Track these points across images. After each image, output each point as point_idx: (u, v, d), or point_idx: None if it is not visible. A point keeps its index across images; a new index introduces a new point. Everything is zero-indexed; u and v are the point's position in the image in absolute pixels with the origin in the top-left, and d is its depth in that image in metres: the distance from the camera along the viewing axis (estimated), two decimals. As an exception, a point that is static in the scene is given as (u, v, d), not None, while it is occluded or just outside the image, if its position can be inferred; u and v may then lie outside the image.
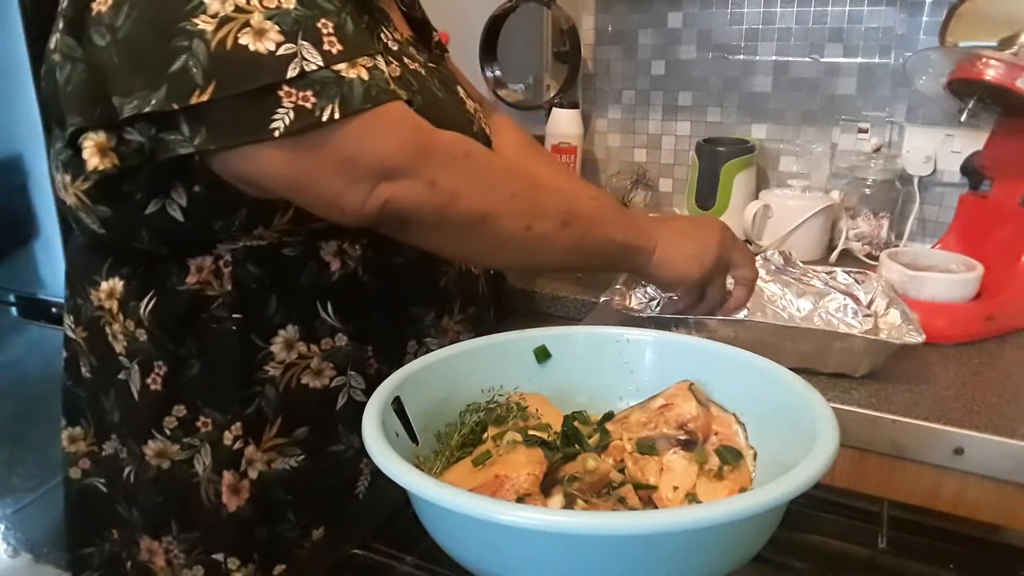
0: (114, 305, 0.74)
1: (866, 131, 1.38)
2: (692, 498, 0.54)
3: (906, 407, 0.80)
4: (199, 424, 0.74)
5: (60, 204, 0.76)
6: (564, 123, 1.52)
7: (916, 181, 1.33)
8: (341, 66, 0.60)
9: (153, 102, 0.59)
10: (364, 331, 0.77)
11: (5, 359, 1.83)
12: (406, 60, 0.77)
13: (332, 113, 0.59)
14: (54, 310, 1.66)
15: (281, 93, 0.58)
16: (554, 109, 1.52)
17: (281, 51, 0.58)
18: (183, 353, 0.73)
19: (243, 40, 0.58)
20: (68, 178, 0.71)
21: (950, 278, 0.97)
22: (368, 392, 0.75)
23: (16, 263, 1.72)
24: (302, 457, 0.76)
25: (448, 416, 0.63)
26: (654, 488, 0.55)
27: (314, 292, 0.74)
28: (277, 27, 0.59)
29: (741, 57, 1.46)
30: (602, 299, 1.11)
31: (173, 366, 0.73)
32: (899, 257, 1.02)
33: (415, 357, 0.79)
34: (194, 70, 0.58)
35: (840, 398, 0.82)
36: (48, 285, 1.67)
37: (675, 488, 0.55)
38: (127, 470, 0.77)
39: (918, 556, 0.59)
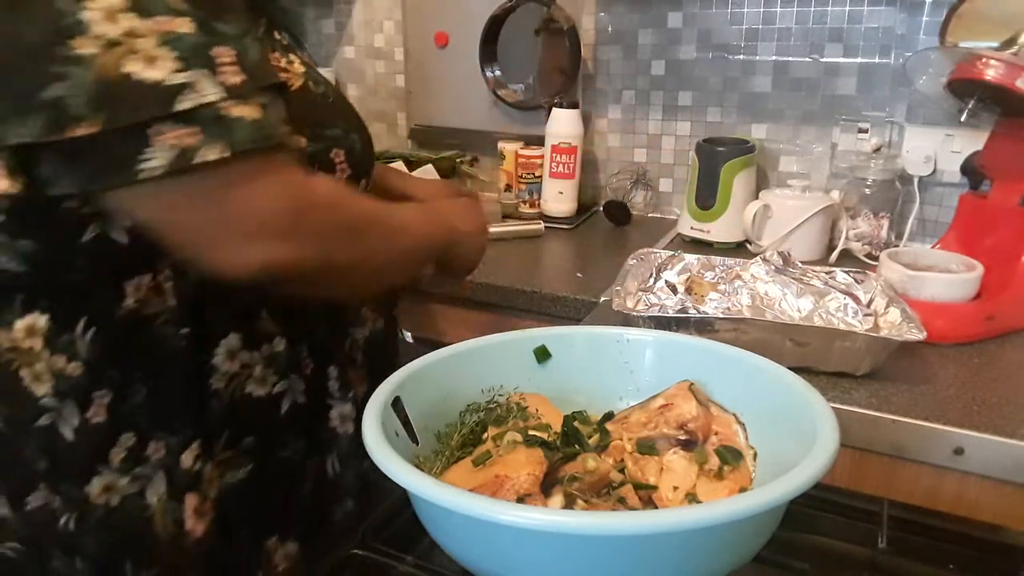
0: (36, 343, 0.65)
1: (866, 131, 1.38)
2: (692, 498, 0.54)
3: (906, 407, 0.80)
4: (149, 452, 0.68)
5: None
6: (564, 123, 1.52)
7: (916, 181, 1.33)
8: (230, 103, 0.55)
9: (26, 133, 0.52)
10: (298, 332, 0.75)
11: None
12: (302, 56, 0.75)
13: (220, 152, 0.54)
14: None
15: (152, 130, 0.53)
16: (554, 109, 1.52)
17: (172, 81, 0.52)
18: (127, 378, 0.67)
19: (130, 67, 0.52)
20: None
21: (950, 278, 0.97)
22: (308, 394, 0.76)
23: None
24: (250, 467, 0.73)
25: (448, 416, 0.63)
26: (654, 488, 0.55)
27: (251, 297, 0.71)
28: (173, 52, 0.53)
29: (741, 57, 1.46)
30: (602, 299, 1.11)
31: (118, 394, 0.67)
32: (899, 257, 1.02)
33: (346, 351, 0.80)
34: (73, 99, 0.51)
35: (840, 398, 0.82)
36: None
37: (675, 488, 0.55)
38: (64, 519, 0.69)
39: (918, 556, 0.59)
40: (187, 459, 0.69)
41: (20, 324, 0.64)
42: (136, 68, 0.52)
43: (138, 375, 0.67)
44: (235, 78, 0.54)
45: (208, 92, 0.53)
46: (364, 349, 0.83)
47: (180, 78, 0.52)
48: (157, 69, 0.52)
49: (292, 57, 0.71)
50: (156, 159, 0.52)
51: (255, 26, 0.61)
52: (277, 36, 0.73)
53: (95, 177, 0.54)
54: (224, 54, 0.54)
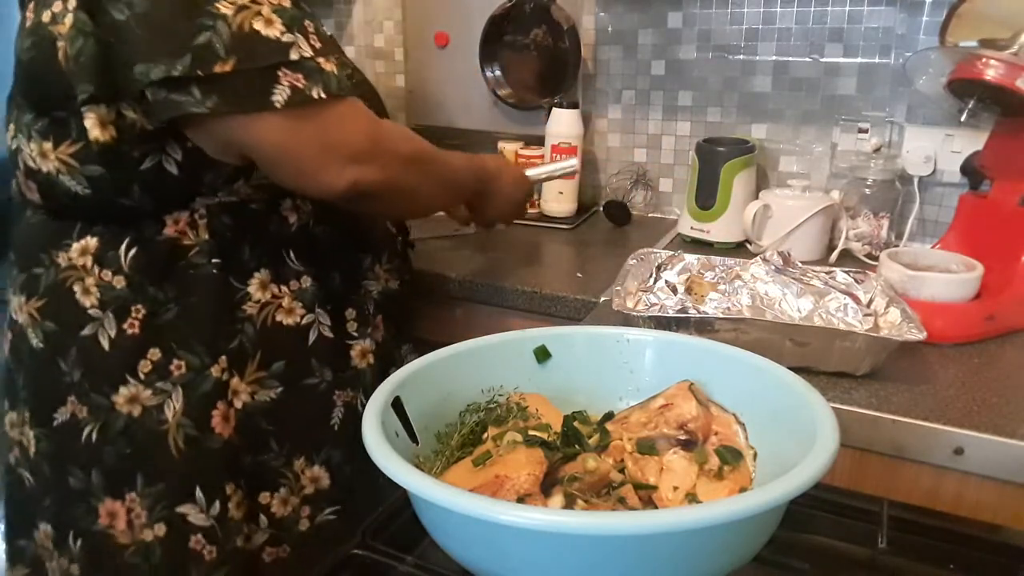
0: (87, 260, 0.79)
1: (866, 131, 1.38)
2: (692, 498, 0.54)
3: (906, 407, 0.80)
4: (172, 368, 0.79)
5: (28, 175, 0.80)
6: (564, 123, 1.52)
7: (916, 181, 1.33)
8: (321, 59, 0.73)
9: (179, 68, 0.68)
10: (319, 275, 0.87)
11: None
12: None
13: (319, 93, 0.72)
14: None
15: (280, 73, 0.70)
16: (554, 109, 1.52)
17: (284, 39, 0.71)
18: (161, 297, 0.79)
19: (256, 25, 0.69)
20: (48, 145, 0.76)
21: (950, 278, 0.97)
22: (334, 329, 0.88)
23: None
24: (280, 389, 0.84)
25: (448, 416, 0.63)
26: (654, 488, 0.55)
27: (279, 240, 0.85)
28: (280, 19, 0.71)
29: (741, 57, 1.46)
30: (602, 299, 1.11)
31: (151, 309, 0.79)
32: (899, 257, 1.02)
33: (359, 298, 0.92)
34: (217, 45, 0.68)
35: (840, 398, 0.82)
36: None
37: (675, 488, 0.55)
38: (87, 429, 0.80)
39: (918, 556, 0.59)
40: (216, 371, 0.80)
41: (76, 246, 0.80)
42: (260, 26, 0.70)
43: (171, 294, 0.80)
44: (317, 44, 0.74)
45: (306, 49, 0.72)
46: (377, 301, 0.95)
47: (288, 37, 0.71)
48: (273, 29, 0.70)
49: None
50: (282, 93, 0.70)
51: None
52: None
53: (236, 103, 0.70)
54: (310, 26, 0.74)
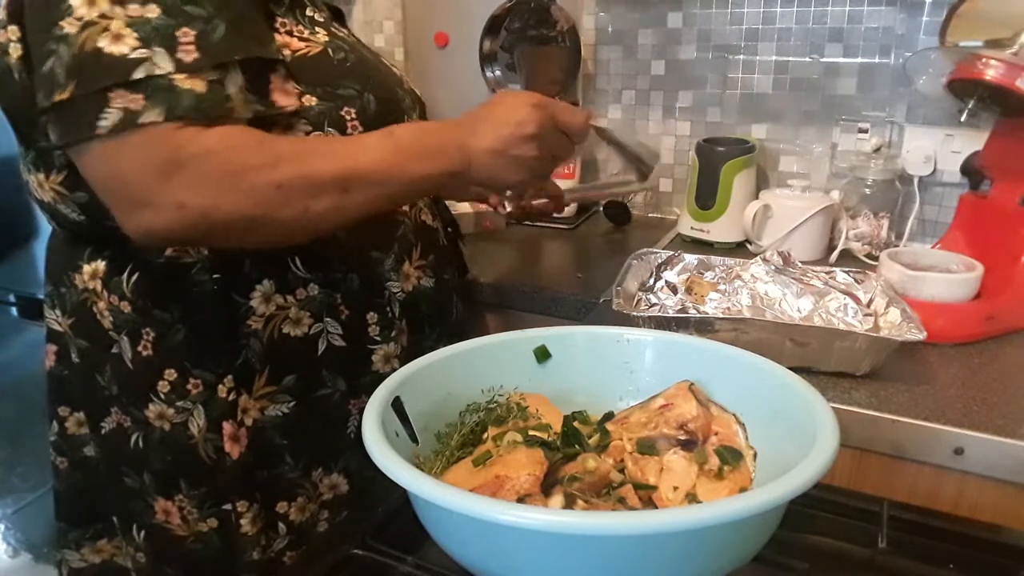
0: (97, 284, 0.79)
1: (866, 131, 1.38)
2: (692, 498, 0.54)
3: (906, 407, 0.80)
4: (189, 387, 0.78)
5: (39, 205, 0.81)
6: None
7: (916, 181, 1.33)
8: (181, 76, 0.62)
9: (38, 99, 0.64)
10: (331, 280, 0.82)
11: (5, 359, 1.83)
12: (334, 28, 0.81)
13: (155, 117, 0.61)
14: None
15: (112, 95, 0.61)
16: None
17: (133, 55, 0.61)
18: (168, 318, 0.77)
19: (101, 43, 0.61)
20: (42, 176, 0.76)
21: (950, 278, 0.97)
22: (345, 336, 0.83)
23: (16, 263, 1.72)
24: (292, 403, 0.81)
25: (448, 416, 0.63)
26: (654, 488, 0.55)
27: (283, 248, 0.78)
28: (134, 33, 0.61)
29: (741, 57, 1.46)
30: (602, 299, 1.11)
31: (160, 332, 0.78)
32: (899, 257, 1.02)
33: (384, 302, 0.86)
34: (58, 70, 0.61)
35: (840, 398, 0.82)
36: (48, 285, 1.67)
37: (675, 488, 0.55)
38: (134, 437, 0.81)
39: (918, 556, 0.59)
40: (222, 391, 0.78)
41: (87, 268, 0.79)
42: (105, 43, 0.61)
43: (177, 315, 0.77)
44: (191, 56, 0.62)
45: (161, 66, 0.61)
46: (402, 303, 0.88)
47: (140, 53, 0.61)
48: (122, 45, 0.61)
49: (318, 30, 0.78)
50: (111, 118, 0.61)
51: (243, 7, 0.68)
52: (310, 12, 0.79)
53: (66, 134, 0.63)
54: (186, 34, 0.63)
